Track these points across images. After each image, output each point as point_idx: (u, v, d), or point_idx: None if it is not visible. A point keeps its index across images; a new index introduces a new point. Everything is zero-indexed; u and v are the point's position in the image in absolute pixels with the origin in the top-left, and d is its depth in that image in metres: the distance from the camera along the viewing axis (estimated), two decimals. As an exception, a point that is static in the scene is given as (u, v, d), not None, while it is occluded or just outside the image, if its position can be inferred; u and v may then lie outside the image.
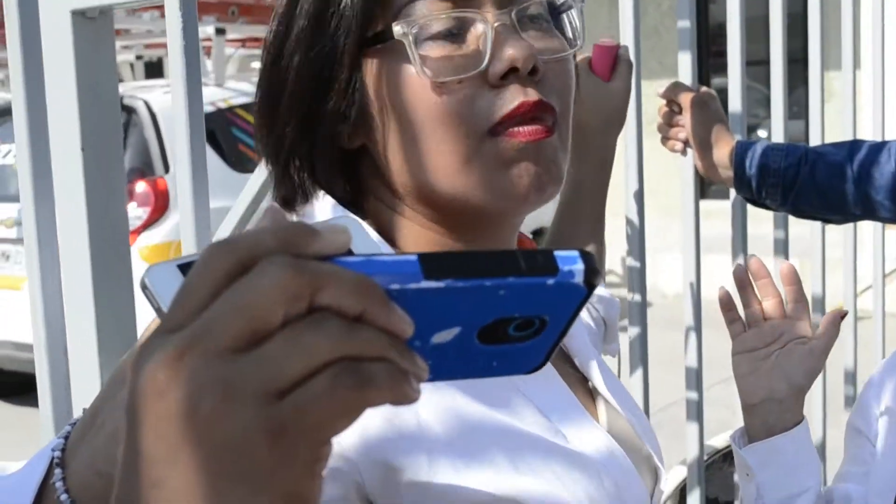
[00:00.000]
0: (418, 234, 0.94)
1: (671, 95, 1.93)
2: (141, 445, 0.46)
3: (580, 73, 1.04)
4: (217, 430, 0.45)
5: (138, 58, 7.63)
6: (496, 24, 0.88)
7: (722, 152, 1.86)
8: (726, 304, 1.44)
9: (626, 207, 1.92)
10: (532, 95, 0.88)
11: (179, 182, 1.33)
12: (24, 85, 1.47)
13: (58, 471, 0.64)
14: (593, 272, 0.50)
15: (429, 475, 0.82)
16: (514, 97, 0.88)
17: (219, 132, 5.89)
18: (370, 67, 0.90)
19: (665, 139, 1.96)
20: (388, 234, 0.95)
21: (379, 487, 0.81)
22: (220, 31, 6.29)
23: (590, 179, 1.47)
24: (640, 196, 1.90)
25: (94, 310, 1.51)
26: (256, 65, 7.83)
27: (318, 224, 0.49)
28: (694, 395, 2.02)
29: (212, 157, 5.69)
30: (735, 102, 2.11)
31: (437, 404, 0.84)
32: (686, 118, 1.90)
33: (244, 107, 6.10)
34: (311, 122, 0.93)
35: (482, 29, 0.89)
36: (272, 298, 0.46)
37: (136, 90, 6.01)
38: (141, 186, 5.32)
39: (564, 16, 0.95)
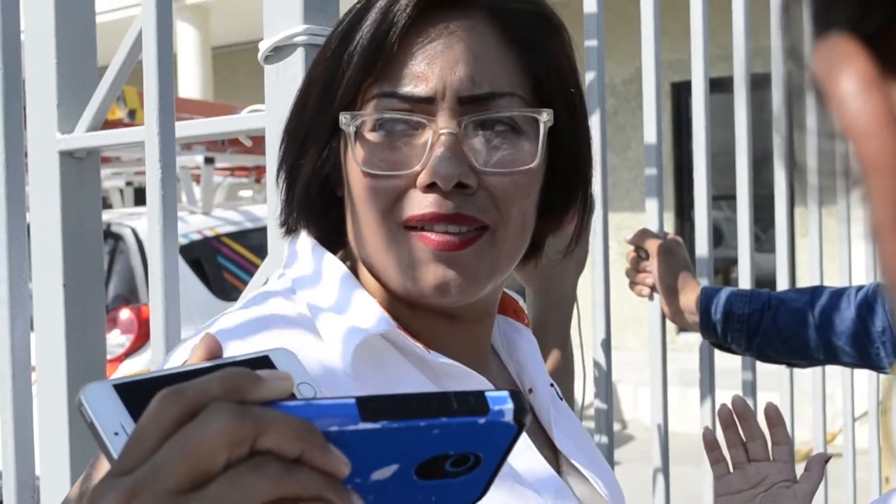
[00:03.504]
0: (378, 292, 1.00)
1: (639, 242, 1.99)
2: None
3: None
4: None
5: (128, 184, 7.71)
6: (442, 133, 0.93)
7: (688, 298, 1.91)
8: (710, 443, 1.42)
9: (594, 350, 1.95)
10: (447, 209, 0.93)
11: (152, 312, 1.37)
12: (7, 223, 1.52)
13: None
14: (522, 411, 0.55)
15: None
16: (430, 205, 0.93)
17: (204, 260, 5.92)
18: (343, 135, 0.98)
19: (633, 284, 2.02)
20: (360, 279, 1.01)
21: None
22: (209, 161, 6.38)
23: (553, 319, 1.51)
24: (606, 344, 1.94)
25: (69, 445, 1.54)
26: (244, 193, 7.92)
27: (263, 371, 0.54)
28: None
29: (196, 284, 5.72)
30: (702, 247, 2.17)
31: None
32: (653, 264, 1.95)
33: (231, 235, 6.14)
34: (300, 165, 1.01)
35: (427, 136, 0.94)
36: (216, 444, 0.51)
37: (123, 217, 6.06)
38: (125, 314, 5.34)
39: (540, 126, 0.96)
